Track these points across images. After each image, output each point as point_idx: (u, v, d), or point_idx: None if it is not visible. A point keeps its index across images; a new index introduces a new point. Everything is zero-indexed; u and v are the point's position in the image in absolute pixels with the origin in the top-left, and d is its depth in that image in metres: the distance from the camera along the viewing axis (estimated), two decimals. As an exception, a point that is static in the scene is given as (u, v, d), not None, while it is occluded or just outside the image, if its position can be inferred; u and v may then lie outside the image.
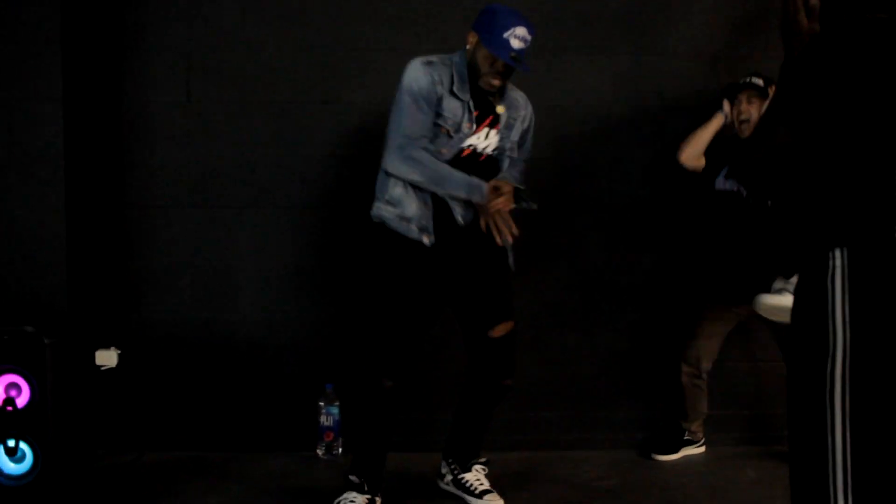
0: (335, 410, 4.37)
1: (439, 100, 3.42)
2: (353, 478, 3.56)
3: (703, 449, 4.46)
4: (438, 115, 3.44)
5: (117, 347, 4.12)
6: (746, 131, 4.07)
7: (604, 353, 4.56)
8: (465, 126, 3.46)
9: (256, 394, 4.44)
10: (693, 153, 4.18)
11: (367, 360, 3.65)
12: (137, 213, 4.36)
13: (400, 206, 3.47)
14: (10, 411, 3.54)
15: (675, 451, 4.40)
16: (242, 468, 4.18)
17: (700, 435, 4.45)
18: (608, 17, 4.43)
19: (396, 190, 3.47)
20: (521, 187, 3.51)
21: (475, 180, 3.40)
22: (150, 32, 4.31)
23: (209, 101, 4.35)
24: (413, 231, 3.47)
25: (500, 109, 3.55)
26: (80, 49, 4.11)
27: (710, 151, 4.20)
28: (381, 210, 3.51)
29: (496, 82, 3.45)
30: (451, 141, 3.47)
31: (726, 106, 4.16)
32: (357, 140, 4.38)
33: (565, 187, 4.47)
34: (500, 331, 3.61)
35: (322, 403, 4.35)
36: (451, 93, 3.44)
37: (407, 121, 3.39)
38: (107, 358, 4.09)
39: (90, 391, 4.06)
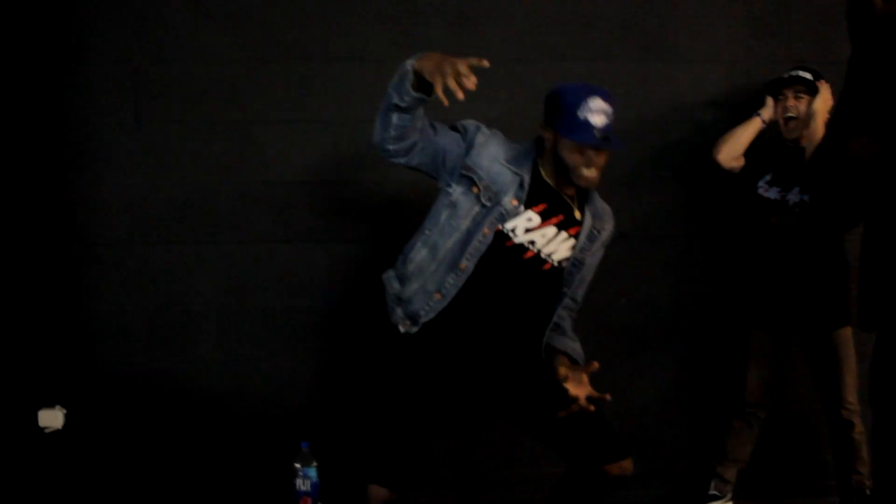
0: (313, 472, 3.90)
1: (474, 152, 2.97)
2: None
3: None
4: (469, 168, 2.96)
5: (63, 406, 3.90)
6: (794, 130, 3.78)
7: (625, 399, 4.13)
8: (509, 202, 2.95)
9: (223, 454, 4.11)
10: (731, 152, 3.87)
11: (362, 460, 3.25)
12: (83, 249, 4.04)
13: (405, 286, 3.02)
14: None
15: None
16: None
17: (729, 488, 4.03)
18: (611, 20, 4.17)
19: (412, 264, 3.02)
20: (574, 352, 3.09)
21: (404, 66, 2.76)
22: (93, 41, 3.99)
23: (160, 120, 4.04)
24: (397, 315, 3.03)
25: (578, 215, 3.04)
26: (12, 61, 3.83)
27: (750, 153, 3.89)
28: (389, 281, 3.12)
29: (593, 174, 2.95)
30: (486, 214, 2.95)
31: (769, 102, 3.87)
32: (330, 162, 4.09)
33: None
34: (568, 410, 2.97)
35: (298, 465, 3.90)
36: (500, 162, 2.97)
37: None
38: (51, 418, 3.87)
39: (29, 458, 3.78)
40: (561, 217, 3.00)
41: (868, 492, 3.76)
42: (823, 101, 3.62)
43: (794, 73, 3.80)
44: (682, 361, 4.27)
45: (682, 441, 4.27)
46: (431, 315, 2.96)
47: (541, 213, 2.96)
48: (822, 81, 3.70)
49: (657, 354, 4.25)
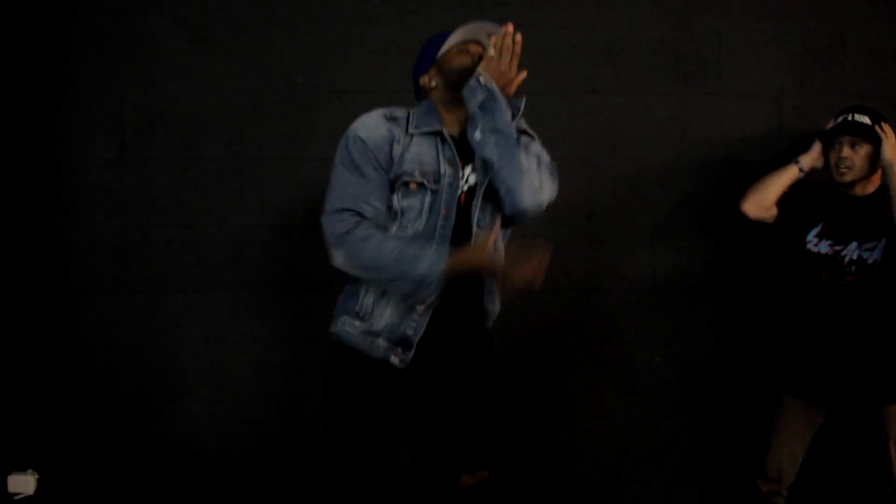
0: None
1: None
2: None
3: None
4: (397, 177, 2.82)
5: (35, 470, 3.77)
6: (847, 176, 3.44)
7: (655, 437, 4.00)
8: (448, 170, 2.84)
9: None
10: (761, 203, 3.54)
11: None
12: (62, 299, 3.86)
13: (370, 319, 2.81)
14: None
15: None
16: None
17: None
18: (648, 50, 3.97)
19: (369, 299, 2.82)
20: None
21: (430, 258, 2.72)
22: (77, 68, 3.82)
23: (148, 157, 3.85)
24: (379, 348, 2.79)
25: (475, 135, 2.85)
26: None
27: (798, 200, 3.58)
28: (343, 325, 2.89)
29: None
30: (437, 195, 2.81)
31: (814, 149, 3.55)
32: None
33: (596, 252, 4.01)
34: (469, 480, 2.88)
35: None
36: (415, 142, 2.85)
37: (342, 188, 2.82)
38: (22, 484, 3.75)
39: None
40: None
41: None
42: (892, 149, 3.37)
43: (848, 117, 3.48)
44: (716, 427, 4.02)
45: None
46: (422, 331, 2.79)
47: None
48: (885, 125, 3.42)
49: (692, 417, 4.01)
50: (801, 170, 3.53)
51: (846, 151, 3.42)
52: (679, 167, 3.94)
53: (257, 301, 3.90)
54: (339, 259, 2.73)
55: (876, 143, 3.40)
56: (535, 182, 2.79)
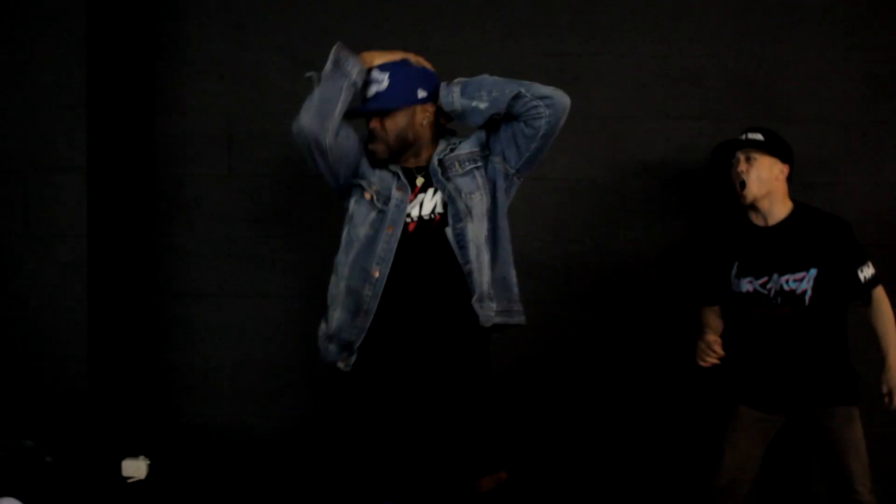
0: None
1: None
2: None
3: None
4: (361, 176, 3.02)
5: (147, 456, 3.84)
6: (749, 191, 3.41)
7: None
8: (398, 194, 2.97)
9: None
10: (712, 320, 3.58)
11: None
12: (171, 302, 4.04)
13: (330, 322, 3.01)
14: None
15: None
16: None
17: None
18: (717, 77, 4.06)
19: (333, 299, 3.02)
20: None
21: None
22: (187, 95, 4.01)
23: (254, 174, 4.02)
24: (331, 353, 3.02)
25: (420, 181, 3.00)
26: (107, 112, 3.81)
27: (714, 244, 3.58)
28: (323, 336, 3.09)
29: (374, 146, 2.98)
30: (384, 216, 2.97)
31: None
32: None
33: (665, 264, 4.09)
34: (487, 483, 2.93)
35: None
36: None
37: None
38: (135, 469, 3.82)
39: None
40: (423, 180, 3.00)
41: None
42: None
43: (742, 136, 3.49)
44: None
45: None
46: (363, 335, 2.93)
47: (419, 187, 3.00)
48: (769, 158, 3.42)
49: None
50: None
51: (742, 166, 3.40)
52: None
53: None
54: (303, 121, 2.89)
55: (776, 156, 3.40)
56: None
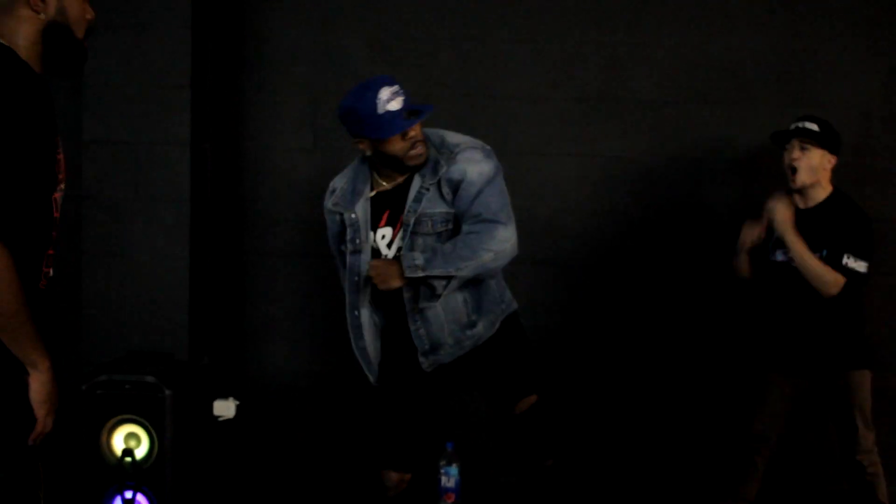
0: (455, 471, 4.18)
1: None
2: None
3: None
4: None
5: (236, 398, 4.05)
6: (799, 177, 3.64)
7: (659, 411, 4.37)
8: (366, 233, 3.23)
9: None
10: (745, 268, 3.87)
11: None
12: (258, 260, 4.37)
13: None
14: (129, 462, 3.49)
15: None
16: None
17: None
18: (753, 66, 4.28)
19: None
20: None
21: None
22: (275, 75, 4.32)
23: (336, 147, 4.25)
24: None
25: (385, 183, 3.23)
26: (207, 93, 4.12)
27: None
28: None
29: (420, 150, 3.10)
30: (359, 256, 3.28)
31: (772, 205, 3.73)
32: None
33: (692, 240, 4.33)
34: (522, 405, 3.34)
35: (443, 463, 4.17)
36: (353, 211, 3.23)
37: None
38: (225, 409, 4.00)
39: (208, 443, 4.00)
40: (388, 211, 3.20)
41: None
42: (783, 218, 3.63)
43: (799, 124, 3.67)
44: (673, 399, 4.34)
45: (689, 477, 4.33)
46: (378, 361, 3.38)
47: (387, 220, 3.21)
48: (820, 150, 3.63)
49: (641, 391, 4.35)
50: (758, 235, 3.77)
51: (796, 153, 3.61)
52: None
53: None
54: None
55: (827, 148, 3.62)
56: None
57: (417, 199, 3.13)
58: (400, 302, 3.19)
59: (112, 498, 3.50)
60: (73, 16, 2.25)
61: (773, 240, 3.76)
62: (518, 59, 4.26)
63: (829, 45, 4.24)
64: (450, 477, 4.16)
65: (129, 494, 3.51)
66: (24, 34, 2.18)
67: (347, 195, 3.20)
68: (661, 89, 4.26)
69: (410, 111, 3.01)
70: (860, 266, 3.57)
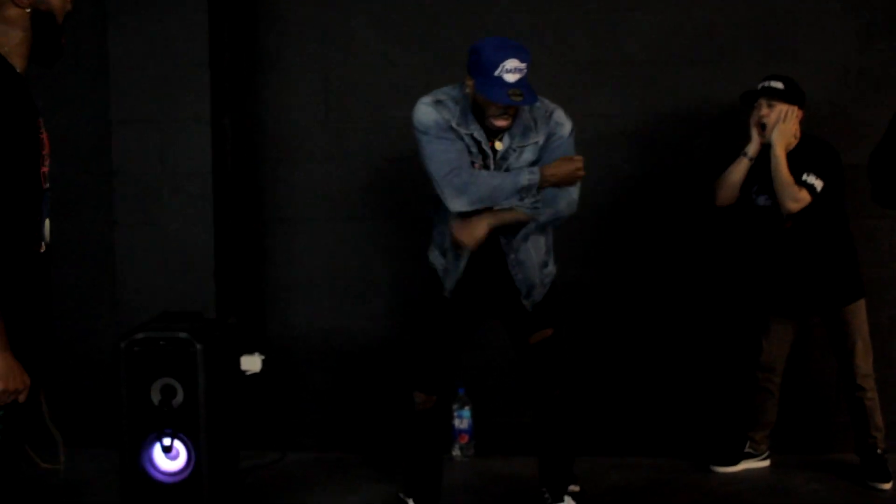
0: (467, 414, 4.49)
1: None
2: (408, 501, 3.66)
3: (766, 462, 4.35)
4: None
5: (261, 353, 4.28)
6: (768, 135, 3.91)
7: (662, 356, 4.56)
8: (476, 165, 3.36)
9: (391, 398, 4.48)
10: (728, 195, 4.09)
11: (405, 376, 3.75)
12: (278, 226, 4.57)
13: (448, 257, 3.50)
14: (166, 411, 3.74)
15: (735, 463, 4.31)
16: (380, 469, 4.33)
17: (764, 447, 4.34)
18: (733, 24, 4.43)
19: (447, 241, 3.46)
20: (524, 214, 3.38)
21: (521, 179, 3.31)
22: (289, 54, 4.50)
23: (346, 118, 4.49)
24: (450, 281, 3.52)
25: (498, 146, 3.37)
26: (225, 71, 4.33)
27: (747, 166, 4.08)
28: (436, 259, 3.56)
29: (503, 123, 3.29)
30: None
31: (754, 137, 4.02)
32: None
33: (683, 195, 4.51)
34: (537, 337, 3.57)
35: (455, 406, 4.46)
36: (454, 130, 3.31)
37: (439, 156, 3.27)
38: (251, 363, 4.26)
39: (236, 394, 4.21)
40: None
41: (880, 452, 4.07)
42: (780, 133, 3.86)
43: (765, 83, 3.91)
44: (694, 336, 4.54)
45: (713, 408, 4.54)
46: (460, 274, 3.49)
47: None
48: (788, 113, 3.87)
49: (668, 328, 4.55)
50: (749, 159, 4.02)
51: (764, 110, 3.90)
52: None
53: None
54: (461, 204, 3.24)
55: (793, 102, 3.87)
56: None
57: (504, 157, 3.37)
58: (497, 250, 3.45)
59: (152, 443, 3.73)
60: (56, 4, 2.38)
61: (755, 186, 4.01)
62: (516, 29, 4.39)
63: (805, 3, 4.39)
64: (463, 419, 4.49)
65: (167, 441, 3.73)
66: (13, 34, 2.30)
67: (460, 118, 3.32)
68: (649, 51, 4.42)
69: (516, 92, 3.15)
70: (817, 183, 3.83)
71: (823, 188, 3.84)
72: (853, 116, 4.32)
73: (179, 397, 3.75)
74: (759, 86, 3.95)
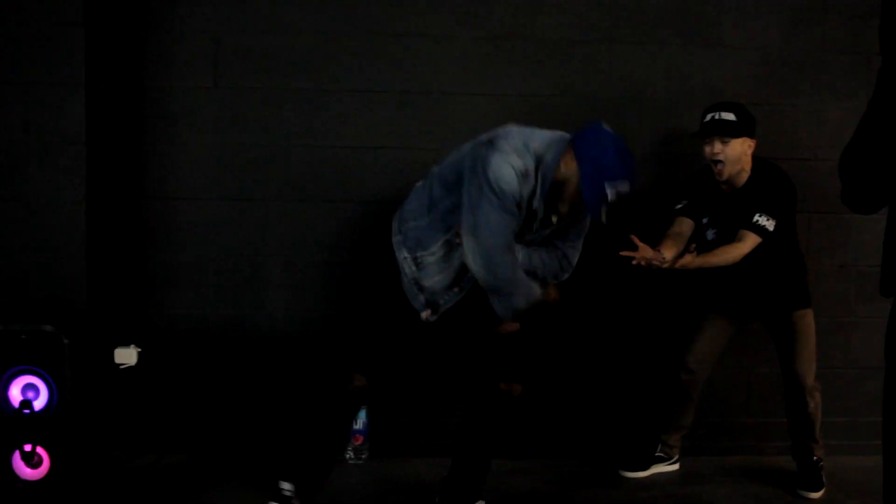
0: (363, 413, 4.25)
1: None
2: (284, 486, 3.24)
3: (675, 466, 4.27)
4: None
5: (137, 345, 4.00)
6: (724, 170, 3.78)
7: (578, 356, 4.46)
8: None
9: (281, 395, 4.31)
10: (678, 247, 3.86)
11: (340, 355, 3.54)
12: (159, 204, 4.23)
13: (423, 272, 3.23)
14: (27, 414, 3.38)
15: (645, 469, 4.21)
16: (265, 471, 4.09)
17: (675, 452, 4.26)
18: (658, 4, 4.32)
19: (432, 257, 3.21)
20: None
21: (535, 290, 3.20)
22: (176, 12, 4.15)
23: (238, 87, 4.19)
24: (419, 301, 3.24)
25: (554, 219, 3.25)
26: (102, 31, 3.93)
27: (693, 194, 3.95)
28: (404, 260, 3.25)
29: (563, 215, 3.22)
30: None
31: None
32: (392, 130, 4.25)
33: None
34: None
35: None
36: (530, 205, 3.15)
37: (498, 226, 3.03)
38: (126, 356, 3.97)
39: (109, 391, 3.93)
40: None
41: (816, 459, 4.02)
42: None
43: (715, 115, 3.75)
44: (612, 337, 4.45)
45: (627, 408, 4.48)
46: (450, 304, 3.25)
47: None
48: (748, 121, 3.74)
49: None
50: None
51: (717, 147, 3.73)
52: (682, 105, 4.27)
53: (325, 210, 4.21)
54: (482, 271, 3.05)
55: (746, 134, 3.73)
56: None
57: (542, 225, 3.24)
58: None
59: (11, 453, 3.41)
60: None
61: (706, 219, 3.92)
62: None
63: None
64: (357, 419, 4.23)
65: (27, 448, 3.41)
66: None
67: (538, 200, 3.14)
68: (568, 29, 4.26)
69: (608, 211, 3.06)
70: (769, 224, 3.72)
71: (776, 226, 3.74)
72: (773, 102, 4.28)
73: (43, 399, 3.44)
74: (709, 116, 3.77)
